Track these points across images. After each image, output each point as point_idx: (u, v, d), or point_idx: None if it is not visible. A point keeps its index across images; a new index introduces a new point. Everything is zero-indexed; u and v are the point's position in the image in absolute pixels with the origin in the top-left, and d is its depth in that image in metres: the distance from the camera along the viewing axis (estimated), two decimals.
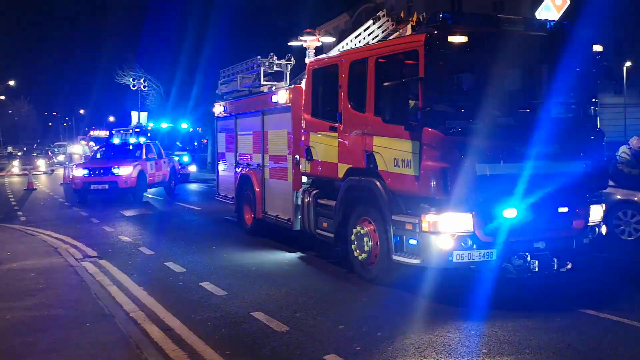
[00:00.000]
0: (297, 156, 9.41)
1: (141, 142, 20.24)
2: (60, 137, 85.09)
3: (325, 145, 8.58)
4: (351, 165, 7.94)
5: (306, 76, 9.21)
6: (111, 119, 67.97)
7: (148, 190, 19.32)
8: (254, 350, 5.43)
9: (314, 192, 9.03)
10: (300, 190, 9.44)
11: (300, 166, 9.32)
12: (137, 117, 37.41)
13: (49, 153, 47.95)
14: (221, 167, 13.46)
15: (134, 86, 36.99)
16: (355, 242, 7.80)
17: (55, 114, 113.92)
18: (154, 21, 35.55)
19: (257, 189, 10.95)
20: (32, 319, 6.32)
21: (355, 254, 7.82)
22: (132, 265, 9.09)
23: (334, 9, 41.47)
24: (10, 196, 21.79)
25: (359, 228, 7.72)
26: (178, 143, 27.35)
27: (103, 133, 39.69)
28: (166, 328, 6.03)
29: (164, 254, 9.99)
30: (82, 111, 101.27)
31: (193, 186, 25.44)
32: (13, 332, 5.88)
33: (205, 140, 36.77)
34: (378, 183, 7.28)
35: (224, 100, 13.16)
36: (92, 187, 17.83)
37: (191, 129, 29.72)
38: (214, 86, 14.06)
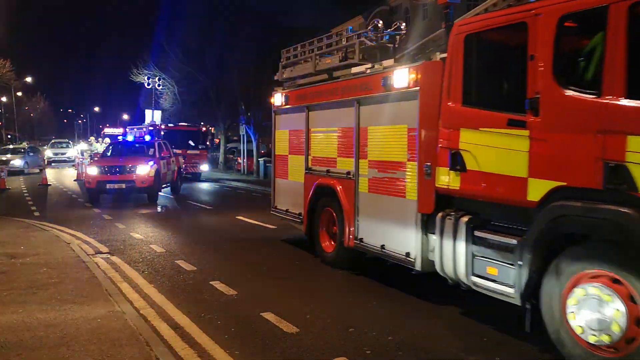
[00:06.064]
0: (429, 163, 6.59)
1: (154, 140, 20.18)
2: (75, 133, 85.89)
3: (495, 150, 5.71)
4: (563, 183, 5.03)
5: (450, 46, 6.33)
6: (125, 116, 68.71)
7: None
8: (263, 350, 5.41)
9: (466, 218, 6.10)
10: (437, 214, 6.47)
11: (437, 179, 6.50)
12: (151, 115, 37.77)
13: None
14: (280, 172, 10.57)
15: (148, 85, 37.28)
16: (578, 312, 4.86)
17: (70, 110, 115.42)
18: (169, 20, 35.80)
19: (347, 207, 8.17)
20: (44, 312, 6.35)
21: (577, 329, 4.85)
22: (143, 262, 9.14)
23: (349, 11, 41.57)
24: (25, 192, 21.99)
25: (585, 287, 4.81)
26: (190, 142, 27.60)
27: (117, 131, 39.99)
28: (176, 326, 6.05)
29: (175, 252, 10.03)
30: (97, 108, 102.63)
31: (204, 185, 25.59)
32: (24, 326, 5.91)
33: (218, 140, 36.91)
34: (636, 215, 4.43)
35: (285, 89, 10.40)
36: (108, 186, 16.92)
37: (204, 129, 29.96)
38: (228, 87, 13.95)
